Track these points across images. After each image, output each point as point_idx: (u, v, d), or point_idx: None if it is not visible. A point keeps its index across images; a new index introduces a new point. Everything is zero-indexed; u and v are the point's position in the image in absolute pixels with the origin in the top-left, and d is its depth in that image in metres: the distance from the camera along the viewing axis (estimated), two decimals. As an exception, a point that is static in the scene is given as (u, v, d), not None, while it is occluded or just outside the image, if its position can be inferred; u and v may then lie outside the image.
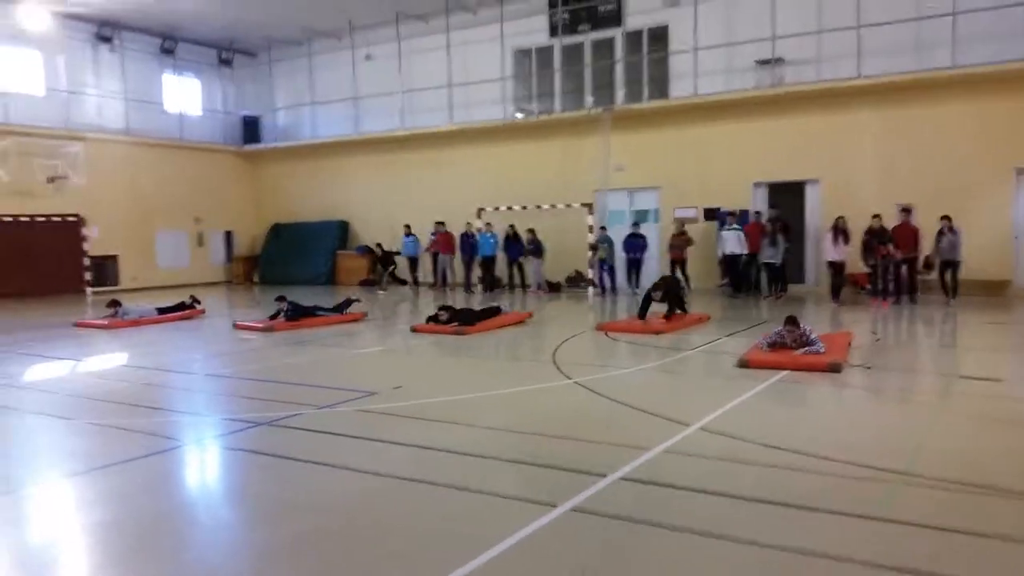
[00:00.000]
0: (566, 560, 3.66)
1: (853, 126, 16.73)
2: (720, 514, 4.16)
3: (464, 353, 10.08)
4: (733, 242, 16.58)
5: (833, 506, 4.17)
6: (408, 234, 20.92)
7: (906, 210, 14.82)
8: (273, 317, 12.55)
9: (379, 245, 20.74)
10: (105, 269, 21.78)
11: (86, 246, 21.15)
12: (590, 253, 18.25)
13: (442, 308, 11.70)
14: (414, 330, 11.64)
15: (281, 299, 12.79)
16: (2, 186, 19.23)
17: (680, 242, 17.63)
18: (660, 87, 19.13)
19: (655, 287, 11.79)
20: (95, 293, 20.33)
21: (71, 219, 20.86)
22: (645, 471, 4.85)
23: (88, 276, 20.99)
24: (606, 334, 11.00)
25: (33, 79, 20.86)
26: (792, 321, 8.41)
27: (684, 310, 12.15)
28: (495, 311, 12.39)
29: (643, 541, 3.85)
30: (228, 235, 25.37)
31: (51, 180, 20.01)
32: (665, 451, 5.28)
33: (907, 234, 14.51)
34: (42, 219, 20.26)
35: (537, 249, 18.80)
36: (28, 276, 19.89)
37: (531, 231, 18.82)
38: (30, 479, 5.16)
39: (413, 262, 21.01)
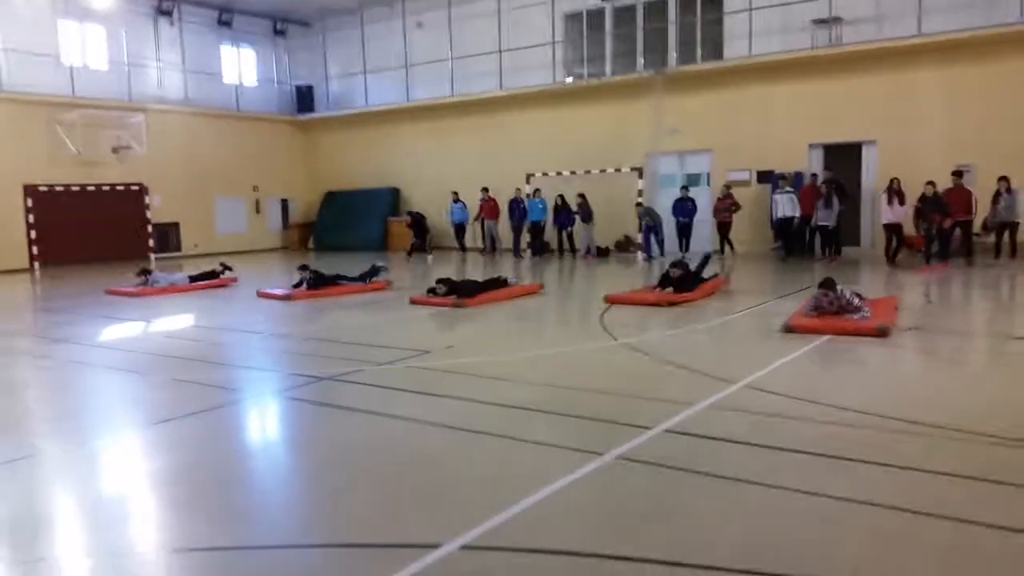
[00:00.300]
0: (610, 501, 3.86)
1: (913, 86, 16.27)
2: (762, 463, 4.29)
3: (506, 319, 10.29)
4: (786, 205, 16.38)
5: (875, 458, 4.27)
6: (456, 200, 21.13)
7: (958, 173, 14.42)
8: (296, 286, 12.53)
9: (415, 212, 20.45)
10: (167, 236, 22.57)
11: (149, 214, 21.92)
12: (638, 219, 18.23)
13: (440, 281, 11.11)
14: (413, 302, 11.16)
15: (304, 268, 12.78)
16: (71, 157, 20.05)
17: (725, 206, 17.49)
18: (714, 48, 18.83)
19: (674, 264, 10.76)
20: (158, 259, 21.11)
21: (135, 188, 21.63)
22: (690, 424, 5.00)
23: (151, 243, 21.77)
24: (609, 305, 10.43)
25: (97, 53, 21.53)
26: (828, 284, 8.32)
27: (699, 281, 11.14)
28: (501, 282, 11.94)
29: (686, 486, 4.02)
30: (284, 202, 25.98)
31: (116, 150, 20.76)
32: (710, 406, 5.41)
33: (961, 198, 14.14)
34: (108, 188, 21.04)
35: (587, 214, 18.85)
36: (96, 243, 20.73)
37: (581, 196, 18.87)
38: (114, 428, 5.57)
39: (461, 228, 21.22)
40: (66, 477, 4.59)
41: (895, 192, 14.53)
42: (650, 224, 18.03)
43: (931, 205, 13.88)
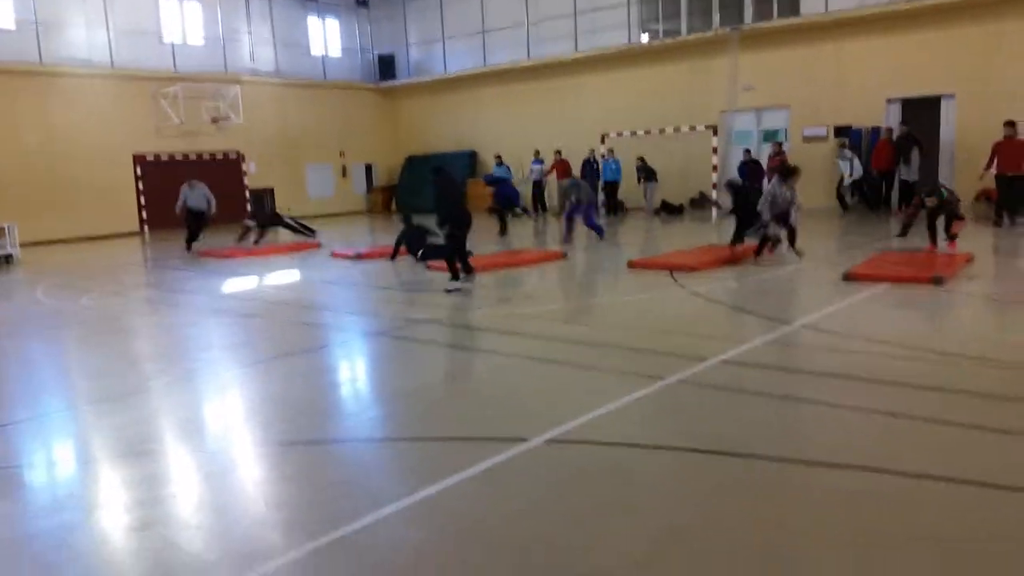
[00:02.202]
0: (668, 410, 4.58)
1: (995, 37, 15.92)
2: (810, 385, 4.93)
3: (573, 270, 10.97)
4: (845, 167, 16.77)
5: (917, 382, 4.84)
6: (537, 159, 21.68)
7: (1011, 124, 13.43)
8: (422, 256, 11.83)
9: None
10: (263, 200, 23.99)
11: (245, 180, 23.37)
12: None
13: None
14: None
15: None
16: (174, 128, 21.55)
17: (775, 164, 17.45)
18: (790, 4, 18.75)
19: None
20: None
21: (232, 156, 23.07)
22: (747, 356, 5.64)
23: (249, 207, 23.21)
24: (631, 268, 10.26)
25: (195, 30, 22.89)
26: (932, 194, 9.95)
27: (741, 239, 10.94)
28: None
29: (734, 401, 4.70)
30: (368, 167, 27.14)
31: (215, 121, 22.18)
32: (765, 343, 6.03)
33: (1013, 151, 13.20)
34: (208, 156, 22.52)
35: (649, 174, 19.24)
36: (199, 208, 22.24)
37: (640, 158, 19.24)
38: (248, 359, 6.58)
39: (539, 186, 21.79)
40: (213, 392, 5.60)
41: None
42: (577, 203, 13.76)
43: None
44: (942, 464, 3.60)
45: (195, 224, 15.84)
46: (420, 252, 11.50)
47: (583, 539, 3.06)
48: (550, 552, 2.98)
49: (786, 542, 3.00)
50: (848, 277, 8.42)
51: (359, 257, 12.90)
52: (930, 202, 10.12)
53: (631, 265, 10.11)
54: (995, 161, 13.41)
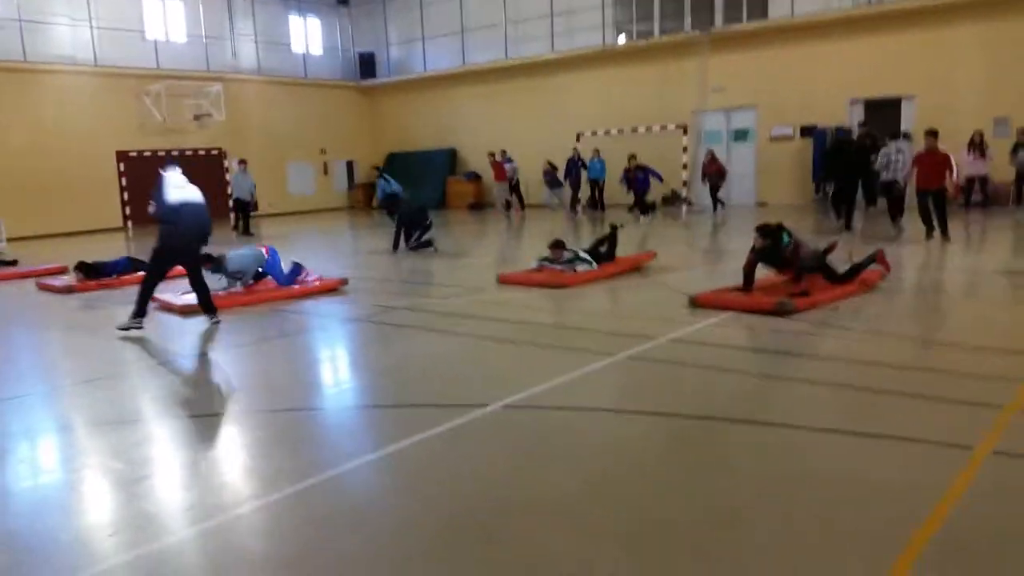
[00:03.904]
0: (616, 380, 5.13)
1: (952, 41, 16.68)
2: (724, 358, 5.50)
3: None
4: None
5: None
6: (507, 158, 22.02)
7: (932, 133, 11.84)
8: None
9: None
10: (245, 197, 24.33)
11: (228, 177, 23.70)
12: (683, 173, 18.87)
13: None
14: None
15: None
16: (157, 125, 21.87)
17: (712, 171, 17.98)
18: (759, 7, 19.42)
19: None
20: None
21: (214, 152, 23.41)
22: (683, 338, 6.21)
23: (231, 203, 23.56)
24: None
25: (177, 27, 23.20)
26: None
27: None
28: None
29: (677, 373, 5.26)
30: (349, 164, 27.56)
31: (197, 118, 22.51)
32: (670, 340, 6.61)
33: (930, 165, 11.64)
34: (190, 153, 22.84)
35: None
36: (182, 204, 22.58)
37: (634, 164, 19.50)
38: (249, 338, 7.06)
39: (515, 184, 22.17)
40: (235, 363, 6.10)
41: (976, 145, 15.21)
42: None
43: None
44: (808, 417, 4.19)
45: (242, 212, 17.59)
46: (416, 236, 12.44)
47: (524, 480, 3.61)
48: (494, 488, 3.53)
49: (704, 484, 3.55)
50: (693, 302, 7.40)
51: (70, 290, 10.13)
52: (758, 243, 7.51)
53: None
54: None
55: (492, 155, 21.36)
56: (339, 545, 3.05)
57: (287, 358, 6.35)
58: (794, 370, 5.34)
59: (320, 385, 5.62)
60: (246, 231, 17.81)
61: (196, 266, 7.45)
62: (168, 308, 8.28)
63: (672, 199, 20.48)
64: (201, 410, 5.02)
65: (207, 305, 7.48)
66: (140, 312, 7.12)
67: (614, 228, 10.22)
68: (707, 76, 19.82)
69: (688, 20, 20.38)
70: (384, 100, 27.61)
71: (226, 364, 6.27)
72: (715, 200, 18.18)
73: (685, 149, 19.25)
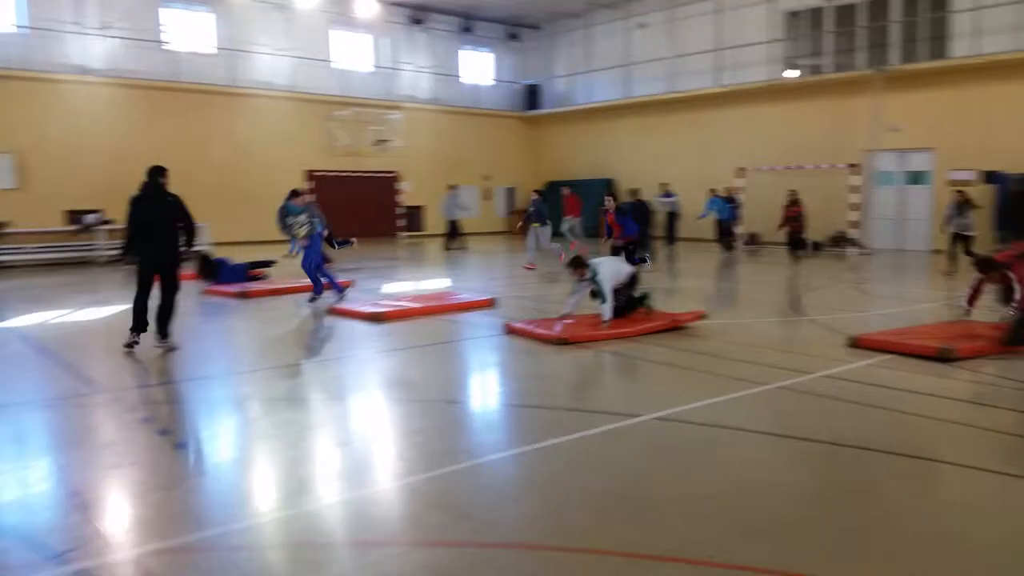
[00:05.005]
0: (758, 412, 5.38)
1: None
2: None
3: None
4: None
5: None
6: (667, 193, 22.10)
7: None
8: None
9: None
10: (414, 217, 26.04)
11: (400, 198, 25.44)
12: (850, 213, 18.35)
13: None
14: None
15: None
16: (341, 148, 23.85)
17: (793, 214, 17.19)
18: (938, 46, 18.67)
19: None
20: (408, 237, 24.54)
21: (389, 175, 25.19)
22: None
23: (402, 223, 25.28)
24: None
25: (364, 58, 25.27)
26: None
27: None
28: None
29: (841, 408, 5.43)
30: (510, 191, 28.72)
31: (377, 143, 24.35)
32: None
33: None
34: (367, 175, 24.73)
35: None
36: (357, 222, 24.45)
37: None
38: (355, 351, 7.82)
39: (673, 219, 22.27)
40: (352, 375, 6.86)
41: None
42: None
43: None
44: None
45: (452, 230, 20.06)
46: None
47: (668, 479, 4.03)
48: (640, 482, 3.98)
49: (841, 498, 3.78)
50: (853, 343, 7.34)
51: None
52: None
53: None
54: None
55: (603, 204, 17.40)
56: (517, 507, 3.68)
57: (438, 365, 7.00)
58: (947, 412, 5.36)
59: (487, 386, 6.23)
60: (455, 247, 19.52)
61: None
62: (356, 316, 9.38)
63: (839, 240, 19.89)
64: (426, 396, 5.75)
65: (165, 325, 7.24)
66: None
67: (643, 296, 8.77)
68: (881, 115, 19.21)
69: (859, 56, 19.88)
70: (547, 129, 28.63)
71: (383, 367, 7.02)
72: (798, 243, 17.37)
73: (855, 189, 18.72)
